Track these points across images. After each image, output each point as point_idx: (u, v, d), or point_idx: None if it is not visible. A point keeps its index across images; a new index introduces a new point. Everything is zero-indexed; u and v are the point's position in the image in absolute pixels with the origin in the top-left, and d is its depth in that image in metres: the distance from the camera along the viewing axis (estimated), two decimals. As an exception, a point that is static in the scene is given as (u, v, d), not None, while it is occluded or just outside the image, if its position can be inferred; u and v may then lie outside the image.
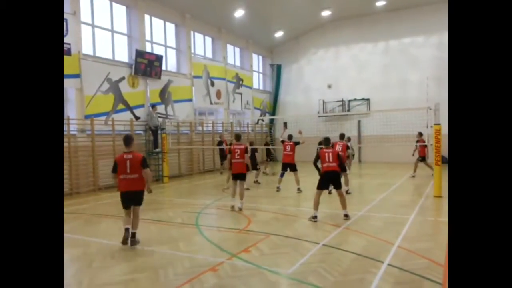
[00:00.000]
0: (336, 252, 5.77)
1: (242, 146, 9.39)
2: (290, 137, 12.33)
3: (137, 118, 15.33)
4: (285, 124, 17.70)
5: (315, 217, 7.86)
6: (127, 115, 14.89)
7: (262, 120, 24.94)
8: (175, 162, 16.97)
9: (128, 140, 6.49)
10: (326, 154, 8.04)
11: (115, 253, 6.02)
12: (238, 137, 9.80)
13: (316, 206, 7.93)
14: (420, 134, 14.82)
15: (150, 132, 15.45)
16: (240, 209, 9.00)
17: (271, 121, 25.58)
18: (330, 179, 8.10)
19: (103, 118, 13.84)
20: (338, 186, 8.08)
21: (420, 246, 5.91)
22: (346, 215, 7.92)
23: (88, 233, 7.36)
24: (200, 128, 19.37)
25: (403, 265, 5.08)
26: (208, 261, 5.47)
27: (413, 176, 14.60)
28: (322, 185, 8.11)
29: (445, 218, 7.99)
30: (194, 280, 4.76)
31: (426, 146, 14.29)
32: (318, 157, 8.42)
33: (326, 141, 8.43)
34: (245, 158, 9.27)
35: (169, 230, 7.51)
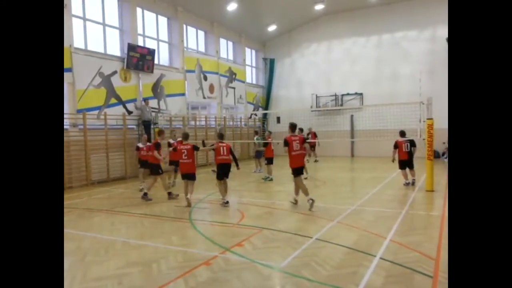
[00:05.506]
0: (328, 246, 5.82)
1: None
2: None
3: (129, 112, 15.25)
4: None
5: (408, 183, 11.18)
6: (120, 109, 14.82)
7: (255, 114, 24.91)
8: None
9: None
10: (404, 144, 11.17)
11: (108, 248, 6.02)
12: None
13: (406, 176, 11.28)
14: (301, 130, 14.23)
15: (143, 126, 15.38)
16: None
17: (264, 115, 25.56)
18: (407, 162, 11.27)
19: (96, 112, 13.76)
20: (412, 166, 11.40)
21: (412, 240, 5.99)
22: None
23: (81, 228, 7.34)
24: (193, 122, 19.29)
25: (394, 259, 5.14)
26: (202, 255, 5.49)
27: None
28: (401, 166, 11.35)
29: (436, 212, 8.09)
30: (187, 274, 4.78)
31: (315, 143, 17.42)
32: (396, 147, 11.30)
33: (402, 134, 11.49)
34: None
35: (163, 224, 7.51)
